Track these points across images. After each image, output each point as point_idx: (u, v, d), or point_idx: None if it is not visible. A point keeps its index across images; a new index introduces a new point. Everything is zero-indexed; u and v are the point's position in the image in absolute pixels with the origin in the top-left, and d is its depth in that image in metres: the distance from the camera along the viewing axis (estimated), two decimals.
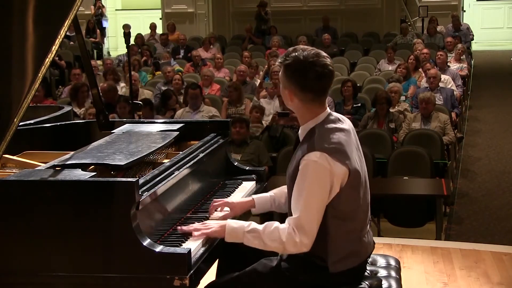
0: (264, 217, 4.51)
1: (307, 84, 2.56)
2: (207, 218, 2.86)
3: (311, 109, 2.61)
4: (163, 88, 9.21)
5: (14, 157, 3.09)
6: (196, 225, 2.70)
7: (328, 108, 2.67)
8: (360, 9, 15.55)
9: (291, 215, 2.57)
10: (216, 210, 2.93)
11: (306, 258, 2.60)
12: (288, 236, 2.51)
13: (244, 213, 3.00)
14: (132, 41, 10.16)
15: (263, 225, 2.58)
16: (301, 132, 2.66)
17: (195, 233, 2.64)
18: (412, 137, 7.05)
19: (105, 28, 16.67)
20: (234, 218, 2.84)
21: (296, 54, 2.57)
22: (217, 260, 2.95)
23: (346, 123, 2.67)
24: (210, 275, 2.82)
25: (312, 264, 2.61)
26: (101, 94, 8.39)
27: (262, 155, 6.57)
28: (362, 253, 2.70)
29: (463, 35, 13.52)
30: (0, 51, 2.79)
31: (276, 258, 2.71)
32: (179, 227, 2.69)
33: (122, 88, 9.22)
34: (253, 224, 2.60)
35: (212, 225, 2.66)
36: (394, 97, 8.08)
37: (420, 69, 9.85)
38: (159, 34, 14.69)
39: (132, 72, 8.00)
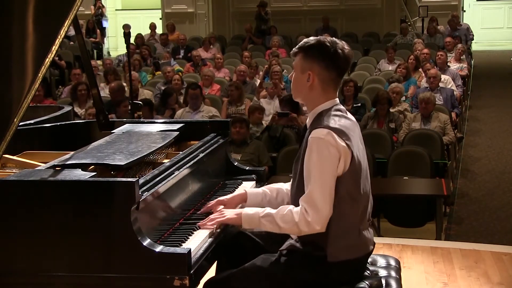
0: None
1: (335, 60, 2.64)
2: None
3: (326, 91, 2.68)
4: (163, 88, 9.21)
5: (14, 157, 3.09)
6: (212, 215, 2.78)
7: (337, 99, 2.73)
8: (360, 9, 15.55)
9: (295, 201, 2.63)
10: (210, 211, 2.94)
11: (305, 251, 2.64)
12: (301, 217, 2.56)
13: None
14: (132, 41, 10.17)
15: (277, 209, 2.65)
16: (309, 119, 2.72)
17: (210, 223, 2.73)
18: (412, 137, 7.05)
19: (105, 28, 16.67)
20: None
21: (318, 38, 2.69)
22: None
23: (352, 117, 2.75)
24: (210, 275, 2.82)
25: (311, 258, 2.63)
26: (109, 93, 8.40)
27: (262, 155, 6.56)
28: (362, 247, 2.71)
29: (462, 35, 13.52)
30: (0, 51, 2.79)
31: (276, 253, 2.73)
32: (199, 224, 2.75)
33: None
34: (267, 209, 2.69)
35: (227, 213, 2.76)
36: (396, 97, 8.08)
37: (420, 69, 9.84)
38: (159, 34, 14.69)
39: (132, 72, 8.01)
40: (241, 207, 3.01)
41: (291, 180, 2.78)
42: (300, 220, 2.57)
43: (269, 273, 2.67)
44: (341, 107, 2.73)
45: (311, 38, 2.71)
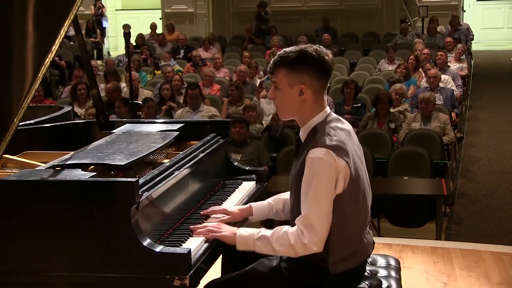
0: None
1: (324, 68, 2.57)
2: (206, 218, 2.87)
3: (318, 101, 2.60)
4: None
5: (14, 157, 3.09)
6: (210, 225, 2.69)
7: (328, 107, 2.68)
8: (360, 9, 15.55)
9: (295, 217, 2.57)
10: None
11: (306, 259, 2.59)
12: (297, 239, 2.50)
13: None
14: (132, 41, 10.18)
15: (272, 231, 2.58)
16: (303, 133, 2.66)
17: (203, 232, 2.65)
18: (412, 137, 7.06)
19: (105, 28, 16.68)
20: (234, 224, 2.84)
21: (294, 48, 2.59)
22: (221, 258, 2.95)
23: (346, 124, 2.69)
24: (210, 275, 2.82)
25: (312, 265, 2.60)
26: (105, 93, 8.46)
27: (262, 155, 6.57)
28: (363, 253, 2.70)
29: (462, 35, 13.53)
30: (0, 51, 2.79)
31: (276, 258, 2.70)
32: (191, 227, 2.69)
33: (123, 88, 9.23)
34: (263, 231, 2.60)
35: (224, 229, 2.66)
36: (398, 98, 8.07)
37: (420, 69, 9.85)
38: (157, 34, 14.68)
39: (132, 72, 8.02)
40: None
41: (289, 194, 2.72)
42: (296, 242, 2.50)
43: (268, 277, 2.65)
44: (333, 115, 2.66)
45: (288, 50, 2.61)
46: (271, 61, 2.65)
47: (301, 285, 2.63)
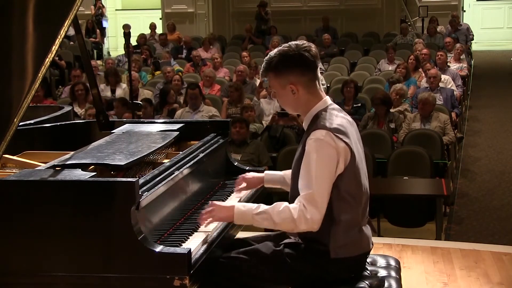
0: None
1: (305, 63, 2.66)
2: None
3: (313, 93, 2.70)
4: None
5: (14, 157, 3.09)
6: (204, 212, 2.73)
7: (328, 97, 2.76)
8: (360, 9, 15.54)
9: (294, 198, 2.63)
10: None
11: (308, 245, 2.66)
12: (300, 213, 2.56)
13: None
14: (133, 41, 10.16)
15: (272, 206, 2.64)
16: (305, 122, 2.74)
17: (203, 224, 2.71)
18: (412, 137, 7.05)
19: (105, 28, 16.66)
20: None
21: (276, 51, 2.70)
22: None
23: (349, 117, 2.77)
24: None
25: (314, 252, 2.65)
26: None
27: (262, 155, 6.57)
28: (363, 243, 2.73)
29: (462, 35, 13.52)
30: (0, 51, 2.79)
31: (281, 241, 2.76)
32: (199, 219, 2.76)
33: (123, 88, 9.23)
34: (262, 206, 2.66)
35: (217, 212, 2.69)
36: (399, 99, 8.06)
37: (420, 69, 9.84)
38: (158, 34, 14.68)
39: (132, 72, 8.01)
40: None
41: (291, 183, 2.77)
42: (299, 216, 2.56)
43: (270, 262, 2.70)
44: (335, 105, 2.76)
45: (273, 53, 2.72)
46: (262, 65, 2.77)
47: (300, 270, 2.68)
